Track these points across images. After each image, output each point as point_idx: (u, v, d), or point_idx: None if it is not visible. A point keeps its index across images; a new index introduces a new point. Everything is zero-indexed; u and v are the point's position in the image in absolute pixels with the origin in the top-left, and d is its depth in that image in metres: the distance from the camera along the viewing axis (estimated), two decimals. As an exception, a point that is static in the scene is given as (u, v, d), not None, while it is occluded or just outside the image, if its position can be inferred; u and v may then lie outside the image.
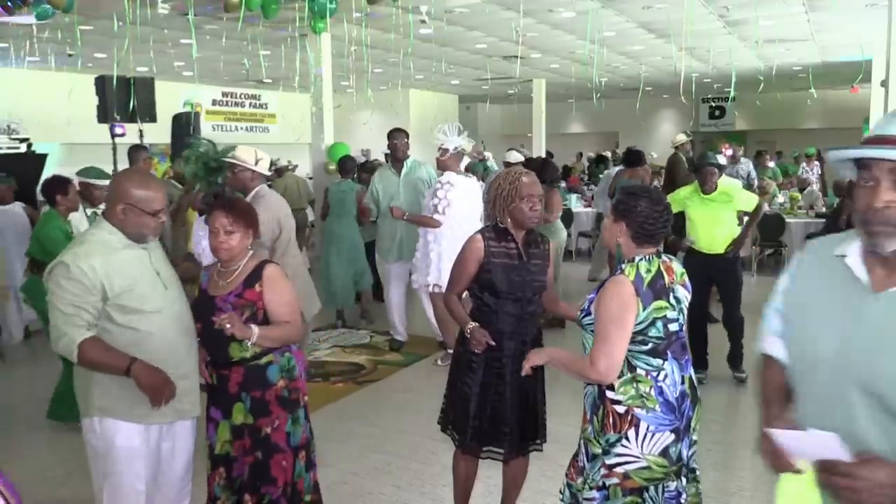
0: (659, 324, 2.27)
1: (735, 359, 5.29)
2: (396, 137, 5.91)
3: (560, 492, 2.56)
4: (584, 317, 2.39)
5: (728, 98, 19.78)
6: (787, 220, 9.31)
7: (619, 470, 2.28)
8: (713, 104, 21.26)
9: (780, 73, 12.57)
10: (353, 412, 4.78)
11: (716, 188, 5.06)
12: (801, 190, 11.26)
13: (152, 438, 2.62)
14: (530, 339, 2.90)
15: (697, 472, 2.42)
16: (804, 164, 12.88)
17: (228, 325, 2.46)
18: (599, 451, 2.31)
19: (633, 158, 8.32)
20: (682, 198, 5.20)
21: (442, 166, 5.36)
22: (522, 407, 2.89)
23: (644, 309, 2.25)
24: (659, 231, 2.34)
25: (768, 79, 11.94)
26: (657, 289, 2.30)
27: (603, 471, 2.30)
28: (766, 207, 6.23)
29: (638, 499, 2.29)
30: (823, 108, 18.75)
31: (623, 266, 2.34)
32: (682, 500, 2.33)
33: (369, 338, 6.59)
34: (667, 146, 12.18)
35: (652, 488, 2.29)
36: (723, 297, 5.28)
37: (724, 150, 11.23)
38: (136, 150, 6.51)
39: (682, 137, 9.97)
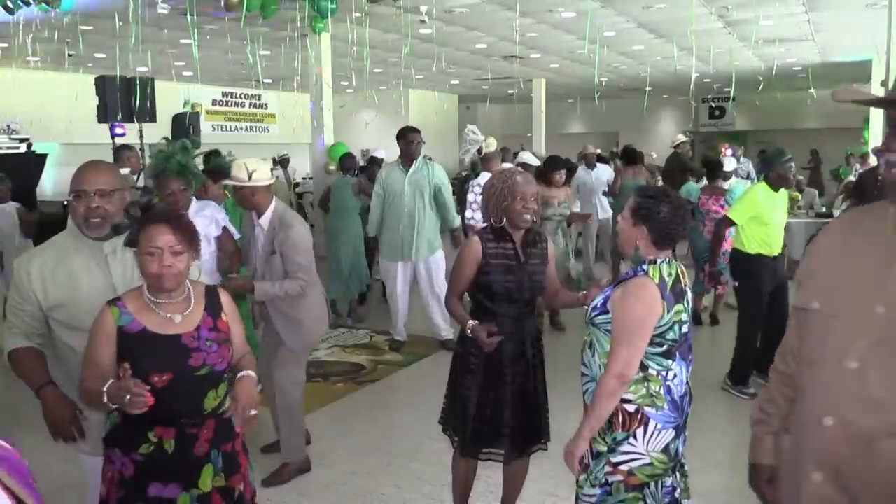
0: (676, 327, 2.28)
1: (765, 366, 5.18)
2: (409, 136, 5.84)
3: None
4: (597, 315, 2.35)
5: (728, 98, 19.79)
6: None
7: (623, 468, 2.29)
8: (713, 104, 21.27)
9: (780, 73, 12.57)
10: (353, 412, 4.78)
11: None
12: (801, 190, 11.24)
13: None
14: (530, 340, 2.89)
15: (686, 467, 2.46)
16: (857, 166, 11.65)
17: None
18: (605, 448, 2.31)
19: (633, 157, 8.29)
20: (761, 200, 4.82)
21: (491, 167, 5.75)
22: (523, 408, 2.88)
23: (668, 313, 2.25)
24: (679, 234, 2.33)
25: (768, 79, 11.94)
26: (677, 292, 2.30)
27: (607, 468, 2.30)
28: None
29: (639, 495, 2.31)
30: (823, 108, 18.75)
31: (644, 267, 2.30)
32: (677, 495, 2.37)
33: (369, 338, 6.59)
34: (667, 146, 12.17)
35: (652, 484, 2.30)
36: (780, 304, 4.98)
37: (724, 150, 11.22)
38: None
39: (681, 137, 9.98)
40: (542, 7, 8.61)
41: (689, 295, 2.40)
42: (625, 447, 2.27)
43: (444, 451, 3.69)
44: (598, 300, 2.37)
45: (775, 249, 4.96)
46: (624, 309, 2.25)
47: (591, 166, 8.88)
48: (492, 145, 5.97)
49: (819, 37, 10.91)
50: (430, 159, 6.00)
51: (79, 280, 2.27)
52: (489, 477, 3.46)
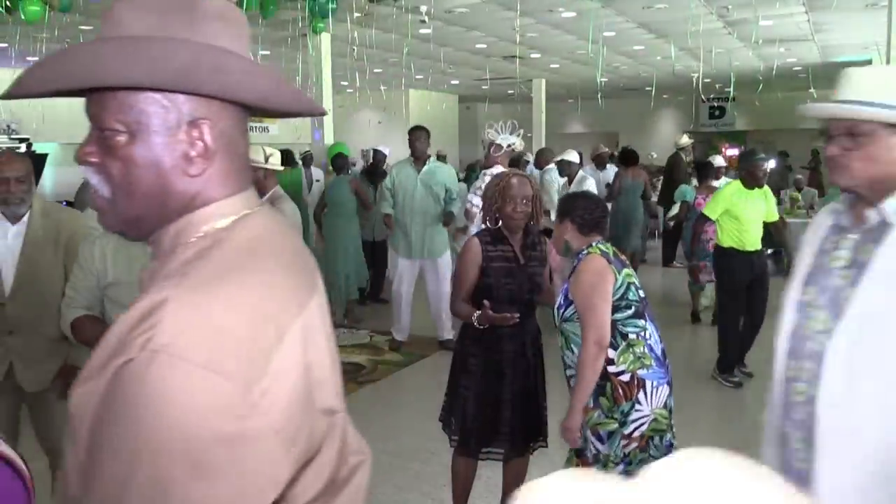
0: (633, 287, 2.49)
1: (743, 356, 5.33)
2: (413, 135, 5.94)
3: None
4: (564, 310, 2.53)
5: (728, 98, 19.79)
6: (787, 220, 9.30)
7: (636, 434, 2.42)
8: (713, 104, 21.25)
9: (780, 73, 12.56)
10: (353, 412, 4.72)
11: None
12: (800, 190, 11.25)
13: None
14: (530, 339, 2.90)
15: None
16: None
17: None
18: (616, 425, 2.43)
19: (630, 158, 8.32)
20: (730, 195, 5.06)
21: (491, 162, 5.56)
22: (523, 406, 2.89)
23: (619, 274, 2.47)
24: (599, 219, 2.61)
25: (768, 79, 11.94)
26: (621, 260, 2.55)
27: (623, 441, 2.42)
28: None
29: (646, 452, 2.45)
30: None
31: (584, 250, 2.56)
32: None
33: (369, 338, 6.59)
34: (667, 146, 12.18)
35: (657, 437, 2.46)
36: (756, 298, 5.14)
37: (723, 150, 11.24)
38: None
39: (686, 140, 10.02)
40: (542, 7, 8.61)
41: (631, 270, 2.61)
42: (633, 415, 2.42)
43: (444, 451, 3.70)
44: (560, 297, 2.58)
45: (749, 245, 5.08)
46: (579, 283, 2.49)
47: (601, 166, 9.07)
48: (518, 146, 5.84)
49: (819, 37, 10.91)
50: (443, 158, 6.03)
51: (136, 262, 2.48)
52: (489, 476, 3.46)
